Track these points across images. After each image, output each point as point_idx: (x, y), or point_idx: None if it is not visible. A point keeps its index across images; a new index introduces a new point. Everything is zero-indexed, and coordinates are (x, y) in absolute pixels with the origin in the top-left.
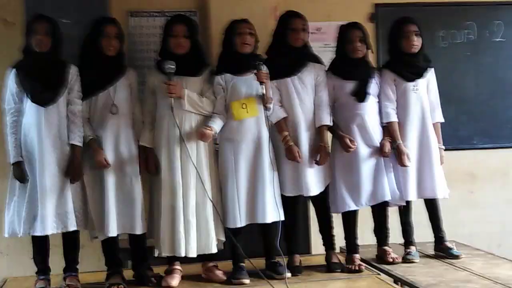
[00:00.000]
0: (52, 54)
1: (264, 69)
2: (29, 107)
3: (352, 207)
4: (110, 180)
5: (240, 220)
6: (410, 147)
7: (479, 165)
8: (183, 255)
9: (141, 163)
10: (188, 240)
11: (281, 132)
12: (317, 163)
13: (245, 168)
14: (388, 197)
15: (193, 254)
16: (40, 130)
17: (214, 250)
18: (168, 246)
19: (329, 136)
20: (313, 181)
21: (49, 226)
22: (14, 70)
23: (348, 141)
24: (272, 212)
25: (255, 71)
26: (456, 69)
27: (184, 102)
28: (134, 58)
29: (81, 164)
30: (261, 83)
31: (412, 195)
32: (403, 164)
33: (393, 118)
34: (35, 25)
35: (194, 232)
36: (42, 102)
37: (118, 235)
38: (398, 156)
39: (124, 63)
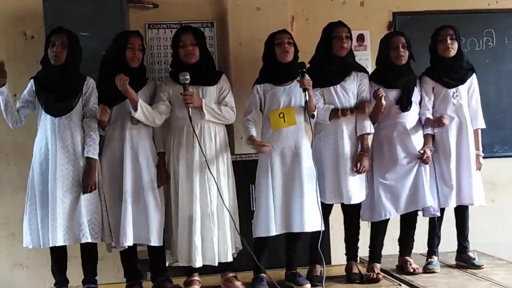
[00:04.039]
0: (67, 67)
1: (307, 77)
2: (43, 118)
3: (393, 214)
4: (129, 191)
5: (275, 228)
6: (450, 154)
7: (500, 174)
8: (198, 265)
9: (161, 173)
10: (212, 249)
11: (338, 113)
12: (357, 171)
13: (282, 177)
14: (429, 203)
15: (215, 262)
16: (53, 141)
17: (230, 258)
18: (186, 256)
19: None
20: (355, 189)
21: (59, 237)
22: (32, 81)
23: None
24: (311, 221)
25: (296, 79)
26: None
27: (204, 113)
28: (152, 69)
29: (95, 176)
30: (304, 90)
31: (452, 201)
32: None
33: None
34: (52, 38)
35: (217, 241)
36: (55, 112)
37: (136, 246)
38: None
39: (145, 74)
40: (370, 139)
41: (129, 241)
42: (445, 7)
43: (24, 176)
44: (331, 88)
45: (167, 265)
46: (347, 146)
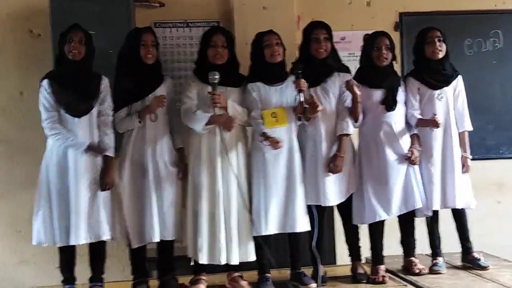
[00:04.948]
0: (86, 64)
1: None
2: (63, 118)
3: (383, 216)
4: (152, 187)
5: (267, 228)
6: (434, 156)
7: (506, 175)
8: (223, 263)
9: (181, 169)
10: (230, 248)
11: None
12: (330, 171)
13: (275, 177)
14: (419, 205)
15: (235, 261)
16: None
17: (252, 257)
18: (207, 254)
19: (353, 145)
20: (332, 191)
21: (82, 236)
22: (47, 81)
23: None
24: (303, 221)
25: (292, 80)
26: (482, 77)
27: (229, 113)
28: None
29: (112, 174)
30: (300, 91)
31: (436, 204)
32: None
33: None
34: (71, 34)
35: (236, 240)
36: (76, 113)
37: (146, 244)
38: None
39: (161, 71)
40: (355, 140)
41: (156, 237)
42: (452, 8)
43: (31, 175)
44: (311, 89)
45: (191, 263)
46: (324, 148)
